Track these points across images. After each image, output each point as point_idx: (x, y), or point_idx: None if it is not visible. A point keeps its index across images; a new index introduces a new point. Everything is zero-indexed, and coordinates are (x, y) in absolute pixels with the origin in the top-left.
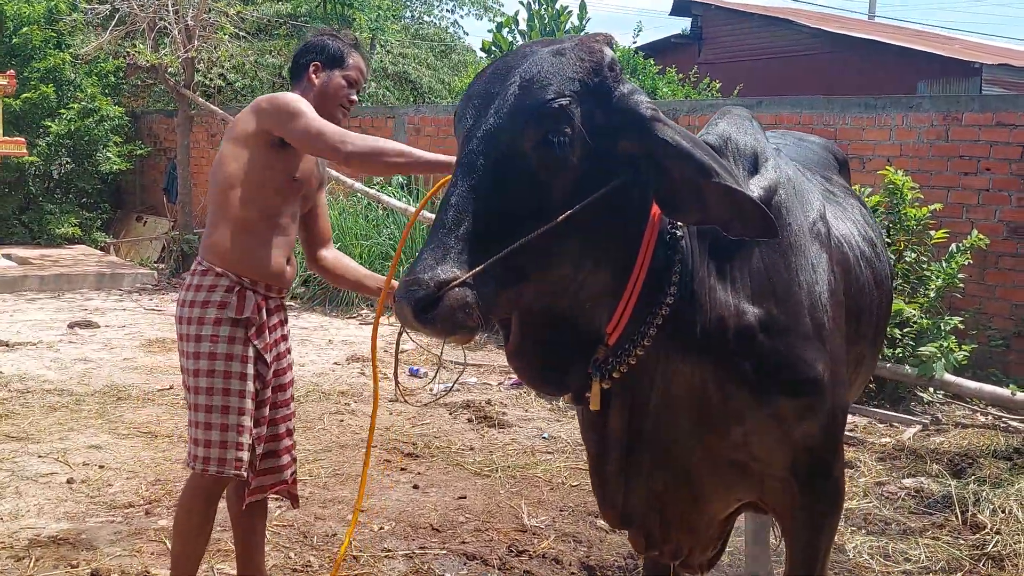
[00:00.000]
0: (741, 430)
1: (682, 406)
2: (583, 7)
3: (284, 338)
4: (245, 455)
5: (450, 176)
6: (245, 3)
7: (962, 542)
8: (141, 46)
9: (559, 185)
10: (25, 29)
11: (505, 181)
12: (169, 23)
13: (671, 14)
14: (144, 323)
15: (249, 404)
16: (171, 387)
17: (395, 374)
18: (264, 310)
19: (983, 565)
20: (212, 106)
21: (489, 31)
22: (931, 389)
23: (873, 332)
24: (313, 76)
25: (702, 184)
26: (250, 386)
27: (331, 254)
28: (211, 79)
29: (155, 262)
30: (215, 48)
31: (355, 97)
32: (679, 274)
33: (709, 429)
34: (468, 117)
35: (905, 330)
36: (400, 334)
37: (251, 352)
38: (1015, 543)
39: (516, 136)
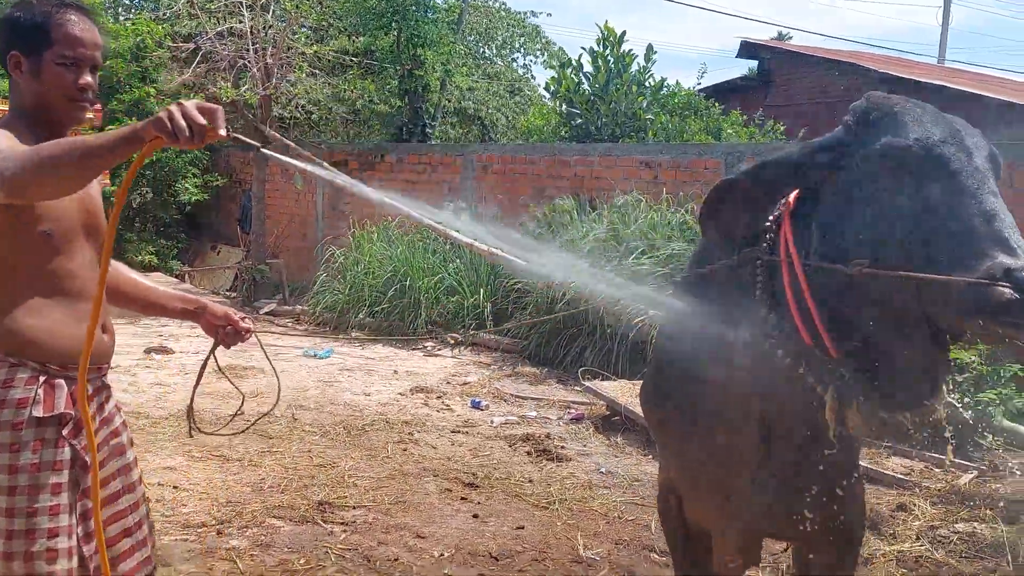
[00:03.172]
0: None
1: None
2: (650, 49)
3: (107, 421)
4: None
5: (152, 144)
6: (320, 42)
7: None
8: (223, 83)
9: None
10: (111, 63)
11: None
12: (249, 61)
13: (737, 56)
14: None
15: (65, 521)
16: (243, 412)
17: (190, 408)
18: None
19: None
20: (287, 141)
21: (551, 67)
22: (990, 435)
23: None
24: (15, 71)
25: None
26: (65, 499)
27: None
28: (288, 112)
29: (227, 290)
30: (292, 85)
31: (89, 79)
32: None
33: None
34: (976, 152)
35: (964, 376)
36: (209, 358)
37: (66, 455)
38: None
39: (994, 174)
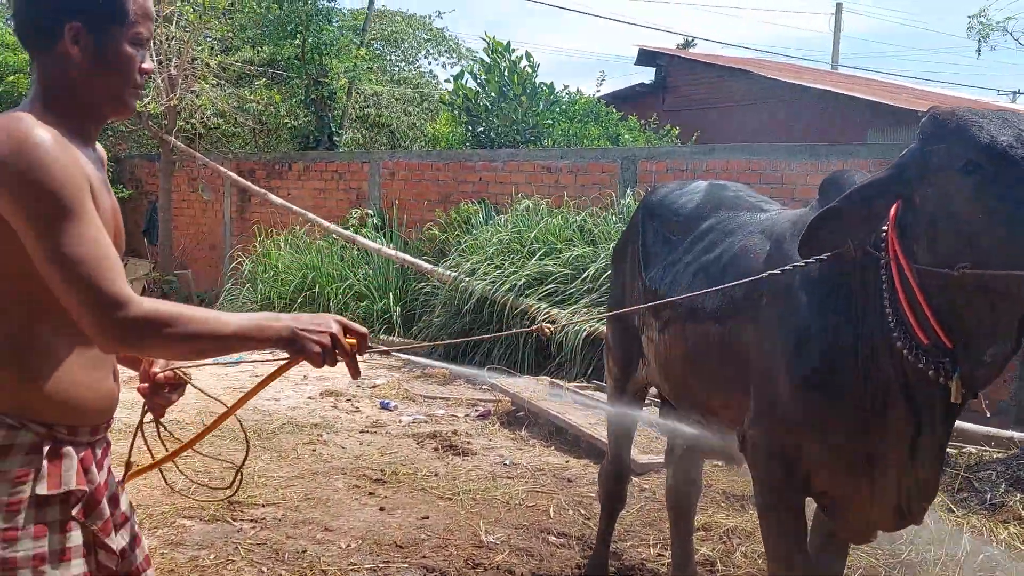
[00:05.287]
0: None
1: None
2: (528, 55)
3: (117, 498)
4: None
5: (294, 363)
6: (225, 52)
7: (879, 551)
8: None
9: None
10: (12, 77)
11: None
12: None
13: (636, 63)
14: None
15: None
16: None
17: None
18: (94, 465)
19: (897, 572)
20: (193, 151)
21: (446, 81)
22: None
23: None
24: (73, 48)
25: None
26: None
27: None
28: (193, 124)
29: None
30: (197, 96)
31: (149, 64)
32: None
33: None
34: (1019, 148)
35: None
36: (143, 416)
37: (76, 540)
38: (926, 552)
39: None
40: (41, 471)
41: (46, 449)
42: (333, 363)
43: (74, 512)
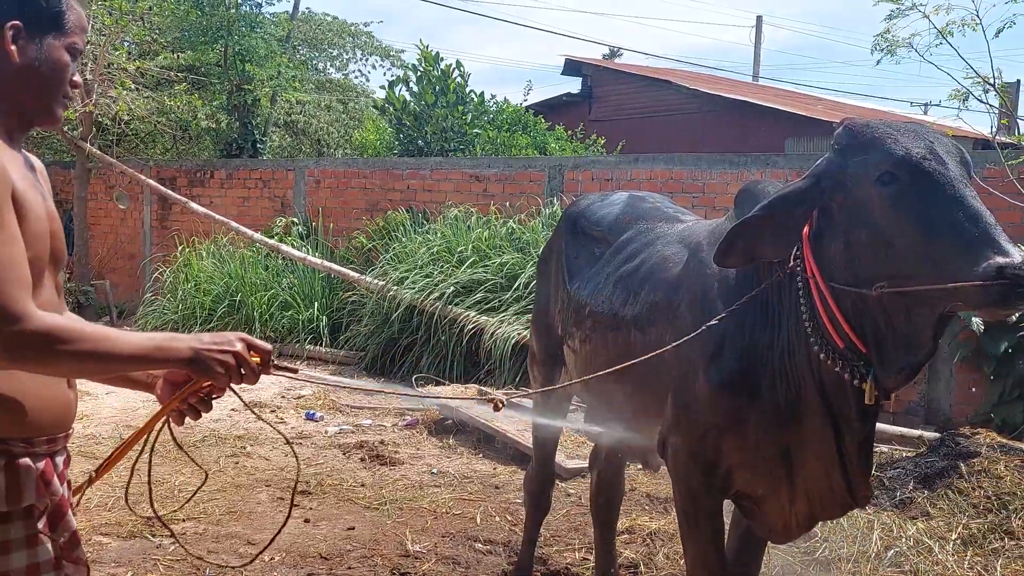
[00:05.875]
0: None
1: None
2: (459, 65)
3: (73, 508)
4: None
5: (197, 386)
6: (144, 57)
7: (795, 549)
8: None
9: None
10: None
11: None
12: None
13: (562, 73)
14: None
15: None
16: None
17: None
18: (56, 477)
19: (812, 569)
20: (110, 159)
21: (381, 87)
22: None
23: None
24: (11, 47)
25: None
26: None
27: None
28: (108, 125)
29: None
30: (114, 101)
31: (79, 78)
32: None
33: None
34: (949, 160)
35: None
36: (162, 423)
37: (45, 555)
38: (839, 549)
39: (967, 175)
40: None
41: (0, 464)
42: (238, 382)
43: (40, 526)
